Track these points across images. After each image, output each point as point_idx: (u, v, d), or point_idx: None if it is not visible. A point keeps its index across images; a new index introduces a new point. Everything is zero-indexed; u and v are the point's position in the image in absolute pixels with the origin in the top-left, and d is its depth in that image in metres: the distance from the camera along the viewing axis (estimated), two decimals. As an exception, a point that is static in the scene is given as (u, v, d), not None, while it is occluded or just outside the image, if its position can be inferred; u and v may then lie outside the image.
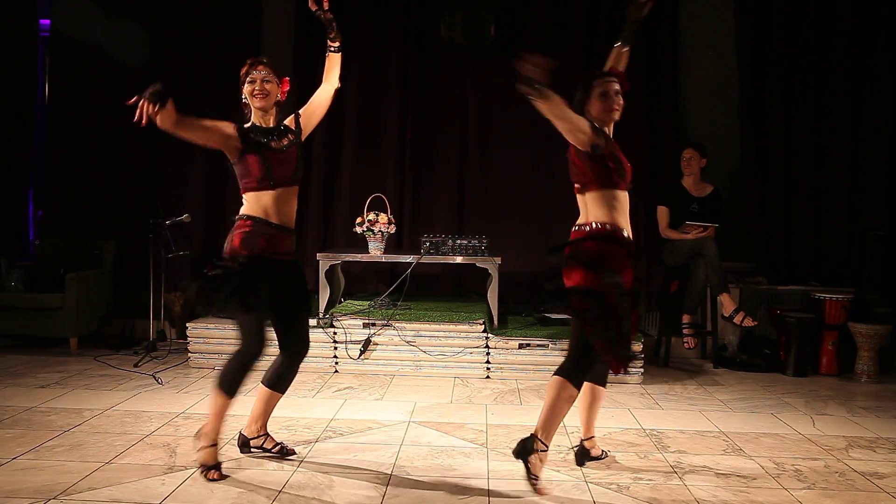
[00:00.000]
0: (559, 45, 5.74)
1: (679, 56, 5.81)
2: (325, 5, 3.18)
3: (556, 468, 3.11)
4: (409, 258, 5.12)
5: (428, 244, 5.09)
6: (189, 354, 4.96)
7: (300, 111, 3.22)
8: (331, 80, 3.26)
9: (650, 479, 3.01)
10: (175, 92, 6.18)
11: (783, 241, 5.71)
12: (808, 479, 3.05)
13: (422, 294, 5.60)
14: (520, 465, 2.99)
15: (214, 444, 2.96)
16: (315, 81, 3.44)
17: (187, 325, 5.02)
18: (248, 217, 3.03)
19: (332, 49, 3.25)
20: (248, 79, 3.08)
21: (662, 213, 5.37)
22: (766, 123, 5.72)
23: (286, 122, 3.18)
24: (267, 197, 3.02)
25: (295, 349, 3.14)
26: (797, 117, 5.70)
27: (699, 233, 5.18)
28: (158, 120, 2.91)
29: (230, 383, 2.96)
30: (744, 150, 5.76)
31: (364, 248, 5.18)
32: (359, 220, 5.11)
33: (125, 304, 5.82)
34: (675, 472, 3.09)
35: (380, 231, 5.07)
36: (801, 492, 2.91)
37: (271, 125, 3.11)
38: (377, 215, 5.08)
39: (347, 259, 5.15)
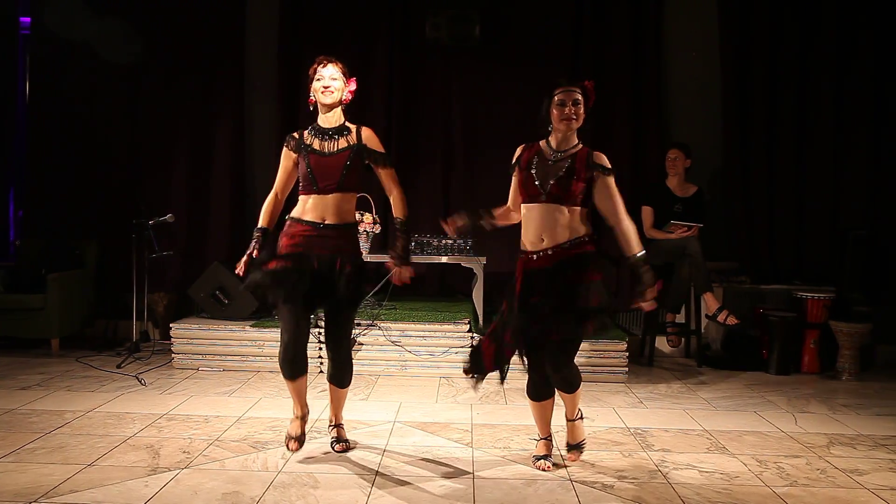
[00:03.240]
0: (544, 44, 5.76)
1: (663, 57, 5.84)
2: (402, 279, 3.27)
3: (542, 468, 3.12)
4: (394, 258, 5.10)
5: (413, 244, 5.08)
6: (172, 355, 4.92)
7: (370, 140, 3.19)
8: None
9: (635, 478, 3.02)
10: (157, 95, 6.18)
11: (766, 240, 5.76)
12: (791, 476, 3.08)
13: (407, 294, 5.57)
14: (505, 464, 3.06)
15: (295, 417, 3.23)
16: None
17: (171, 325, 4.99)
18: (288, 217, 3.19)
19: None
20: (316, 76, 3.14)
21: (647, 213, 5.40)
22: (748, 124, 5.76)
23: (357, 127, 3.19)
24: (310, 200, 3.12)
25: (329, 344, 3.23)
26: (780, 118, 5.74)
27: (683, 232, 5.21)
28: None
29: (280, 367, 3.13)
30: (727, 150, 5.80)
31: (349, 247, 5.16)
32: (344, 219, 5.09)
33: (108, 305, 5.78)
34: (660, 471, 3.11)
35: (365, 231, 5.06)
36: (783, 489, 2.93)
37: (333, 125, 3.16)
38: (362, 215, 5.07)
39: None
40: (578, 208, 2.99)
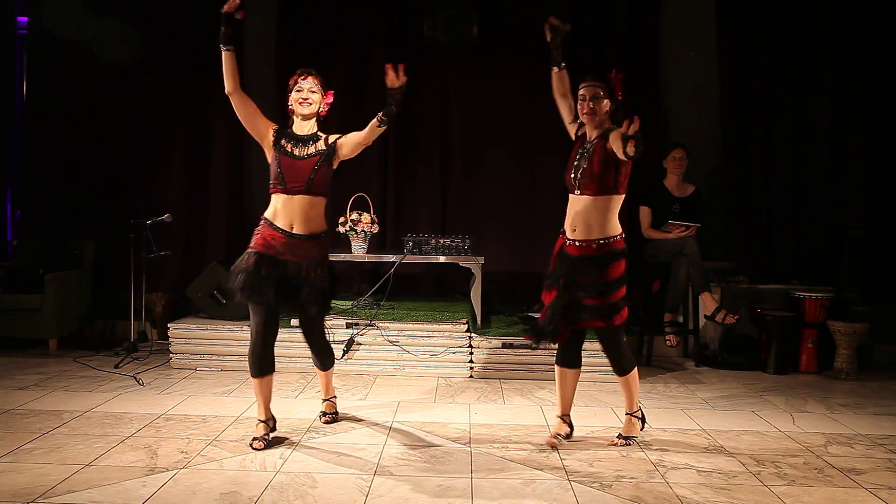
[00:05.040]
0: (542, 44, 5.71)
1: (661, 57, 5.84)
2: (397, 80, 3.18)
3: (540, 467, 3.12)
4: (392, 258, 5.11)
5: (411, 244, 5.08)
6: (170, 355, 4.92)
7: (341, 137, 3.33)
8: (366, 137, 3.28)
9: (633, 478, 3.03)
10: (154, 95, 6.16)
11: (763, 240, 5.76)
12: (788, 475, 3.08)
13: (405, 294, 5.59)
14: (503, 464, 3.07)
15: (259, 421, 3.38)
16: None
17: (169, 325, 4.98)
18: (262, 218, 3.33)
19: (380, 121, 3.23)
20: (295, 87, 3.31)
21: (645, 212, 5.41)
22: (746, 124, 5.77)
23: (326, 136, 3.34)
24: (279, 200, 3.28)
25: (306, 340, 3.56)
26: (777, 118, 5.75)
27: (681, 232, 5.22)
28: (226, 54, 3.25)
29: (249, 363, 3.34)
30: (724, 150, 5.80)
31: (347, 247, 5.16)
32: (341, 219, 5.10)
33: (105, 305, 5.76)
34: (658, 470, 3.11)
35: (363, 231, 5.06)
36: (780, 488, 2.94)
37: (305, 133, 3.33)
38: (360, 215, 5.07)
39: (330, 259, 5.11)
40: (612, 197, 3.18)
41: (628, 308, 3.32)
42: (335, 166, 3.34)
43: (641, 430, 3.49)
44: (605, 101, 3.20)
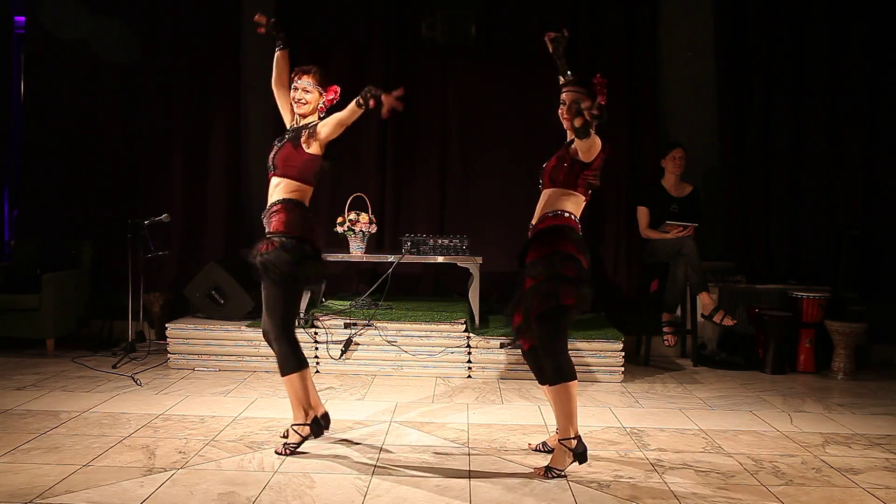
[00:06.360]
0: (540, 44, 5.71)
1: (658, 57, 5.84)
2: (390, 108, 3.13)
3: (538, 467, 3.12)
4: (390, 258, 5.11)
5: (409, 244, 5.08)
6: (168, 355, 4.91)
7: (321, 120, 3.34)
8: (345, 117, 3.24)
9: (631, 477, 3.03)
10: (152, 95, 6.15)
11: (761, 240, 5.76)
12: (786, 475, 3.09)
13: (403, 294, 5.59)
14: (501, 464, 3.06)
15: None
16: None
17: (167, 325, 4.97)
18: None
19: (358, 104, 3.16)
20: (292, 86, 3.36)
21: (643, 213, 5.41)
22: (743, 124, 5.77)
23: (312, 122, 3.36)
24: None
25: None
26: (774, 118, 5.75)
27: (679, 232, 5.22)
28: (277, 53, 3.48)
29: None
30: (722, 150, 5.80)
31: (345, 247, 5.16)
32: (339, 219, 5.09)
33: (103, 305, 5.75)
34: (656, 470, 3.12)
35: (361, 231, 5.06)
36: (778, 488, 2.94)
37: (301, 125, 3.38)
38: (358, 215, 5.07)
39: (328, 259, 5.11)
40: (562, 191, 3.09)
41: (579, 299, 2.97)
42: (311, 149, 3.26)
43: (571, 462, 3.02)
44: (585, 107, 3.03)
